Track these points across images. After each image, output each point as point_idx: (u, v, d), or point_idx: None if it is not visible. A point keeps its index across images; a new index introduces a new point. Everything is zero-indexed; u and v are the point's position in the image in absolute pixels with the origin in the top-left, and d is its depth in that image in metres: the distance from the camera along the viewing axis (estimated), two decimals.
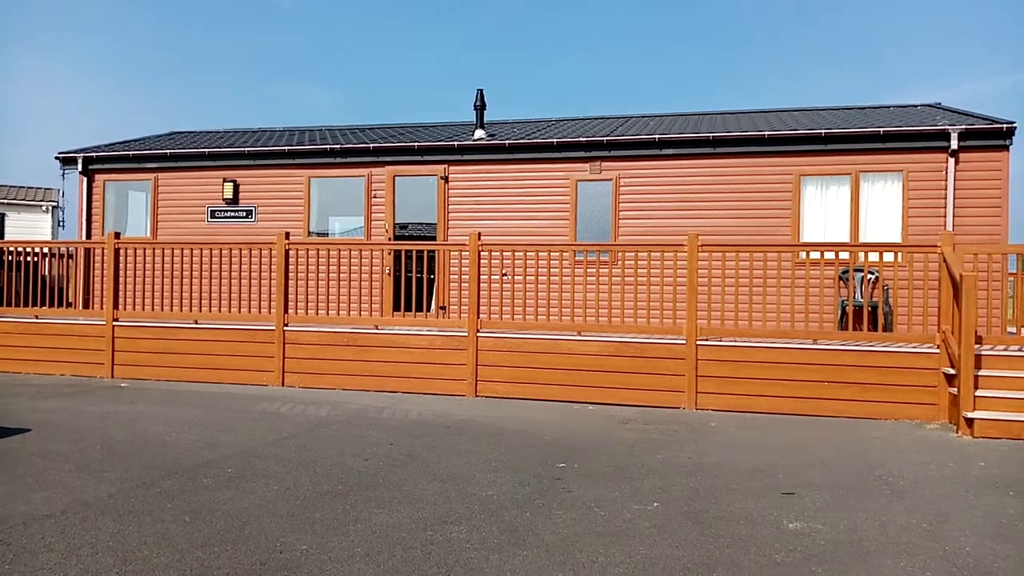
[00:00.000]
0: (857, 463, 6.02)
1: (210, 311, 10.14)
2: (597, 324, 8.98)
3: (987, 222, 11.05)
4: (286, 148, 13.68)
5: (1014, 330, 8.91)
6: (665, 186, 12.24)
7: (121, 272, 10.39)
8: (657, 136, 12.22)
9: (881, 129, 11.39)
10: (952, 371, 7.59)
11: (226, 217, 13.93)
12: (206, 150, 14.01)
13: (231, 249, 10.13)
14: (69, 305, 11.87)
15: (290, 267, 9.86)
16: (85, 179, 14.47)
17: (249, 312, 10.05)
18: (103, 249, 10.58)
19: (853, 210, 11.53)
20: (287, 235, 9.93)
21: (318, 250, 10.16)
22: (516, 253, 9.32)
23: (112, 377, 10.08)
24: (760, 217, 11.81)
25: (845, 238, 11.46)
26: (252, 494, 4.86)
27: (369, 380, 9.29)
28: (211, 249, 10.20)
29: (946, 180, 11.18)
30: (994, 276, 8.53)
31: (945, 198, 11.18)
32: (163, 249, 10.50)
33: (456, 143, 13.00)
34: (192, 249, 10.29)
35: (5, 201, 22.64)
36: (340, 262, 9.92)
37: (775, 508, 4.74)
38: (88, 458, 5.73)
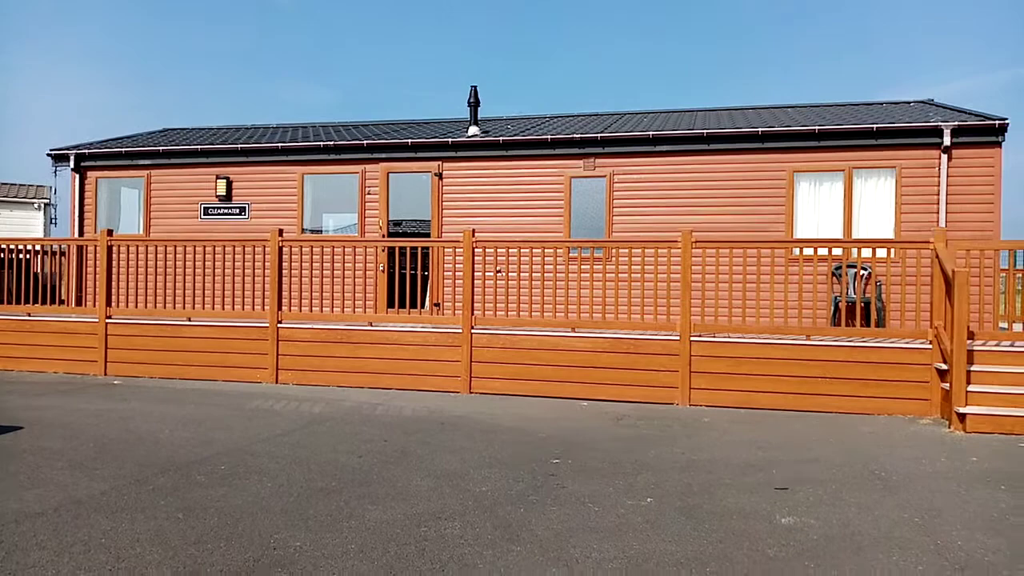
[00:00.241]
0: (850, 458, 6.04)
1: (203, 308, 10.11)
2: (591, 320, 8.99)
3: (980, 218, 11.09)
4: (280, 145, 13.65)
5: (1006, 326, 8.95)
6: (659, 183, 12.25)
7: (114, 269, 10.36)
8: (651, 133, 12.23)
9: (874, 126, 11.42)
10: (944, 366, 7.63)
11: (219, 214, 13.89)
12: (199, 147, 13.97)
13: (224, 246, 10.10)
14: (62, 303, 11.83)
15: (284, 264, 9.84)
16: (77, 176, 14.40)
17: (243, 309, 10.03)
18: (96, 246, 10.54)
19: (846, 206, 11.56)
20: (281, 232, 9.91)
21: (312, 247, 10.14)
22: (510, 250, 9.32)
23: (105, 375, 10.05)
24: (754, 213, 11.83)
25: (838, 234, 11.49)
26: (246, 491, 4.85)
27: (363, 377, 9.29)
28: (204, 246, 10.17)
29: (939, 176, 11.22)
30: (986, 272, 8.57)
31: (938, 194, 11.21)
32: (156, 246, 10.47)
33: (450, 140, 12.99)
34: (185, 246, 10.26)
35: None
36: (334, 259, 9.90)
37: (768, 503, 4.76)
38: (81, 455, 5.72)
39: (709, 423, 7.49)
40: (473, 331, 9.06)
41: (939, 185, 11.20)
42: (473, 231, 9.33)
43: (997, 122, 11.01)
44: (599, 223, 12.42)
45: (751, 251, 8.75)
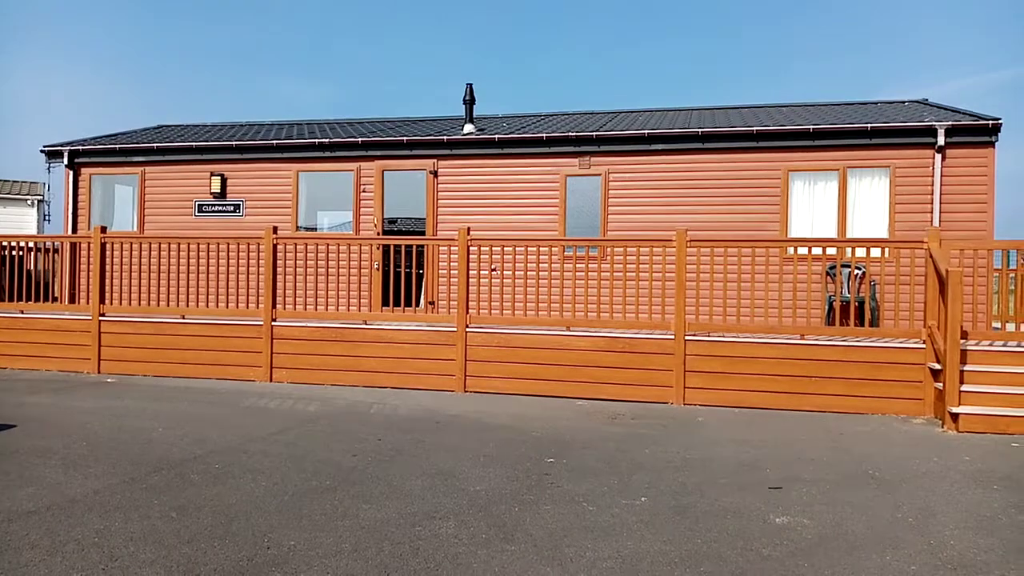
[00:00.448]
0: (843, 457, 6.06)
1: (197, 306, 10.08)
2: (586, 319, 8.99)
3: (973, 218, 11.12)
4: (274, 142, 13.61)
5: (999, 325, 8.98)
6: (654, 181, 12.25)
7: (108, 267, 10.32)
8: (646, 132, 12.23)
9: (868, 125, 11.44)
10: (938, 366, 7.65)
11: (214, 211, 13.85)
12: (193, 144, 13.92)
13: (219, 244, 10.07)
14: (55, 300, 11.78)
15: (278, 262, 9.81)
16: (71, 173, 14.34)
17: (237, 307, 10.01)
18: (89, 243, 10.50)
19: (840, 206, 11.59)
20: (275, 229, 9.88)
21: (306, 245, 10.12)
22: (505, 248, 9.31)
23: (98, 372, 10.02)
24: (749, 213, 11.85)
25: (832, 234, 11.51)
26: (240, 490, 4.84)
27: (358, 375, 9.28)
28: (198, 244, 10.14)
29: (932, 176, 11.25)
30: (980, 272, 8.59)
31: (932, 194, 11.24)
32: (150, 243, 10.42)
33: (445, 138, 12.97)
34: (179, 244, 10.23)
35: None
36: (328, 257, 9.88)
37: (762, 502, 4.77)
38: (74, 454, 5.70)
39: (703, 422, 7.50)
40: (468, 330, 9.05)
41: (933, 185, 11.23)
42: (468, 229, 9.32)
43: (991, 122, 11.05)
44: (594, 221, 12.42)
45: (745, 250, 8.76)
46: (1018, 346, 7.88)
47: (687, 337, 8.48)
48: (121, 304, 10.29)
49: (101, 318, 10.13)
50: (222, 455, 5.74)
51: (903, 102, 14.31)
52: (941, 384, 7.44)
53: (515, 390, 8.80)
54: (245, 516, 4.33)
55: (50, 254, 11.95)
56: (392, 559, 3.74)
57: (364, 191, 13.29)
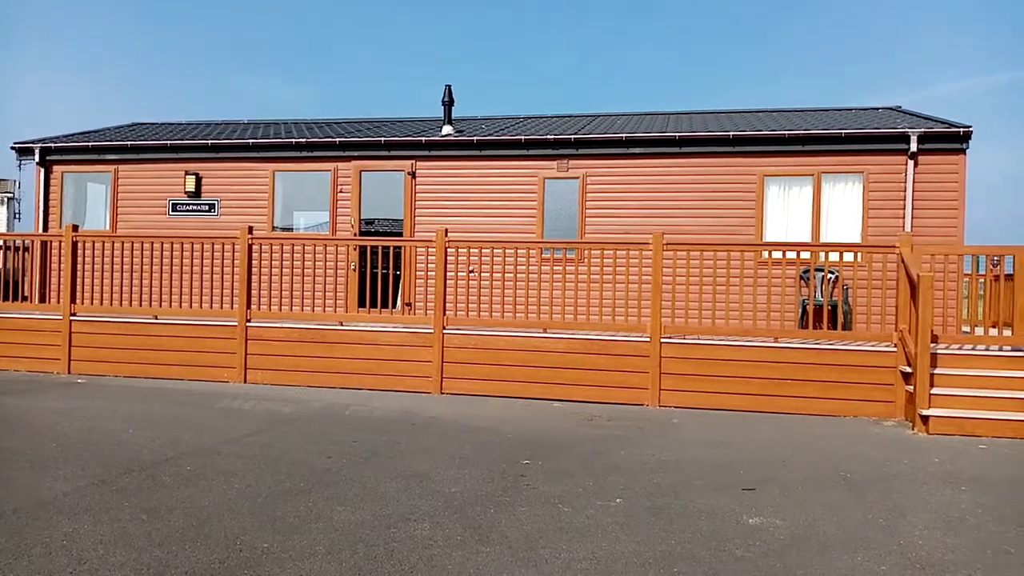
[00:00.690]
0: (816, 459, 6.13)
1: (171, 306, 9.97)
2: (563, 321, 9.01)
3: (944, 223, 11.29)
4: (250, 141, 13.50)
5: (968, 329, 9.13)
6: (632, 185, 12.31)
7: (79, 266, 10.17)
8: (624, 135, 12.29)
9: (842, 131, 11.59)
10: (909, 369, 7.76)
11: (188, 211, 13.70)
12: (168, 142, 13.77)
13: (193, 243, 9.96)
14: (25, 299, 11.59)
15: (253, 262, 9.73)
16: (42, 170, 14.10)
17: (211, 307, 9.90)
18: (60, 242, 10.35)
19: (815, 210, 11.72)
20: (251, 229, 9.80)
21: (282, 245, 10.04)
22: (483, 250, 9.30)
23: (69, 373, 9.87)
24: (725, 216, 11.94)
25: (807, 238, 11.64)
26: (212, 492, 4.79)
27: (334, 377, 9.22)
28: (172, 243, 10.03)
29: (905, 182, 11.41)
30: (950, 277, 8.74)
31: (904, 200, 11.41)
32: (122, 242, 10.28)
33: (424, 139, 12.94)
34: (152, 243, 10.10)
35: None
36: (304, 257, 9.81)
37: (736, 504, 4.80)
38: (43, 456, 5.60)
39: (678, 424, 7.55)
40: (445, 331, 9.04)
41: (905, 190, 11.39)
42: (446, 231, 9.31)
43: (962, 130, 11.23)
44: (572, 224, 12.45)
45: (721, 253, 8.83)
46: (987, 350, 8.01)
47: (663, 339, 8.52)
48: (93, 304, 10.14)
49: (72, 318, 9.98)
50: (195, 457, 5.68)
51: (877, 108, 14.51)
52: (912, 387, 7.55)
53: (492, 392, 8.80)
54: (218, 518, 4.28)
55: (20, 252, 11.76)
56: (366, 561, 3.72)
57: (341, 192, 13.23)
